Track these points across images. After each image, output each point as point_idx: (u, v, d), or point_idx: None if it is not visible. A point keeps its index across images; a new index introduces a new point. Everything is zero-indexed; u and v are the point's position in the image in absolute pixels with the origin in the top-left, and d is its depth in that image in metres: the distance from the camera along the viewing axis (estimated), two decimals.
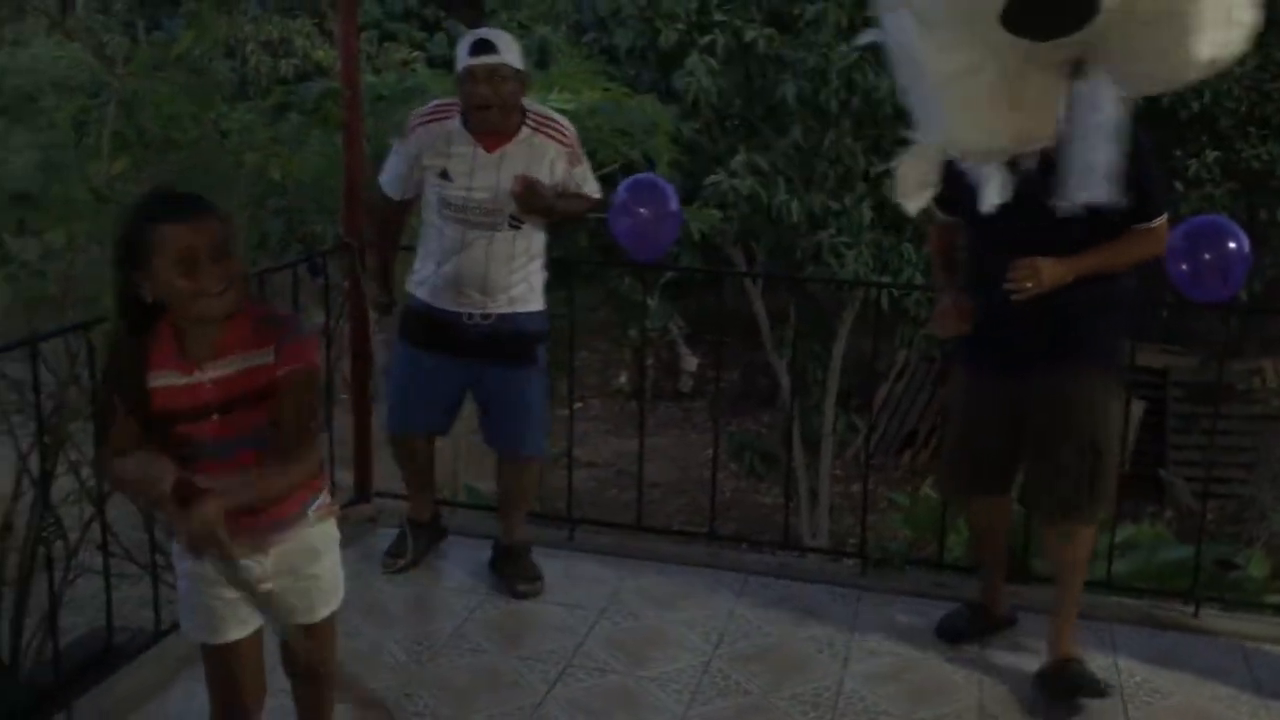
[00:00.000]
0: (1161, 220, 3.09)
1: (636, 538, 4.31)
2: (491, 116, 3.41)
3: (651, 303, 11.76)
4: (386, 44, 12.87)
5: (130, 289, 2.06)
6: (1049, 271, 2.96)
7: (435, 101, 3.64)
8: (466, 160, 3.44)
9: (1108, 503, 3.23)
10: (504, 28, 9.16)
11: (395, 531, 3.90)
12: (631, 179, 3.82)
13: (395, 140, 3.63)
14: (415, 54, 10.00)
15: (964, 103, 2.16)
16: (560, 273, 6.86)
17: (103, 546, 3.51)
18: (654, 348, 12.81)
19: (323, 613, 2.38)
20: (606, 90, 5.42)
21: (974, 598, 3.55)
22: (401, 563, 3.78)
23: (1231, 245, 3.44)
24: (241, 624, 2.30)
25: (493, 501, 4.29)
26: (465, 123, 3.46)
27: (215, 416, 2.12)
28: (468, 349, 3.57)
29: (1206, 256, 3.43)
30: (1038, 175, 2.91)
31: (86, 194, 3.56)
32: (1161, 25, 2.07)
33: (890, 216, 8.36)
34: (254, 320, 2.14)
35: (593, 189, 3.65)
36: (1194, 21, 2.02)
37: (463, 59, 3.42)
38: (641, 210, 3.71)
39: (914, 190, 2.86)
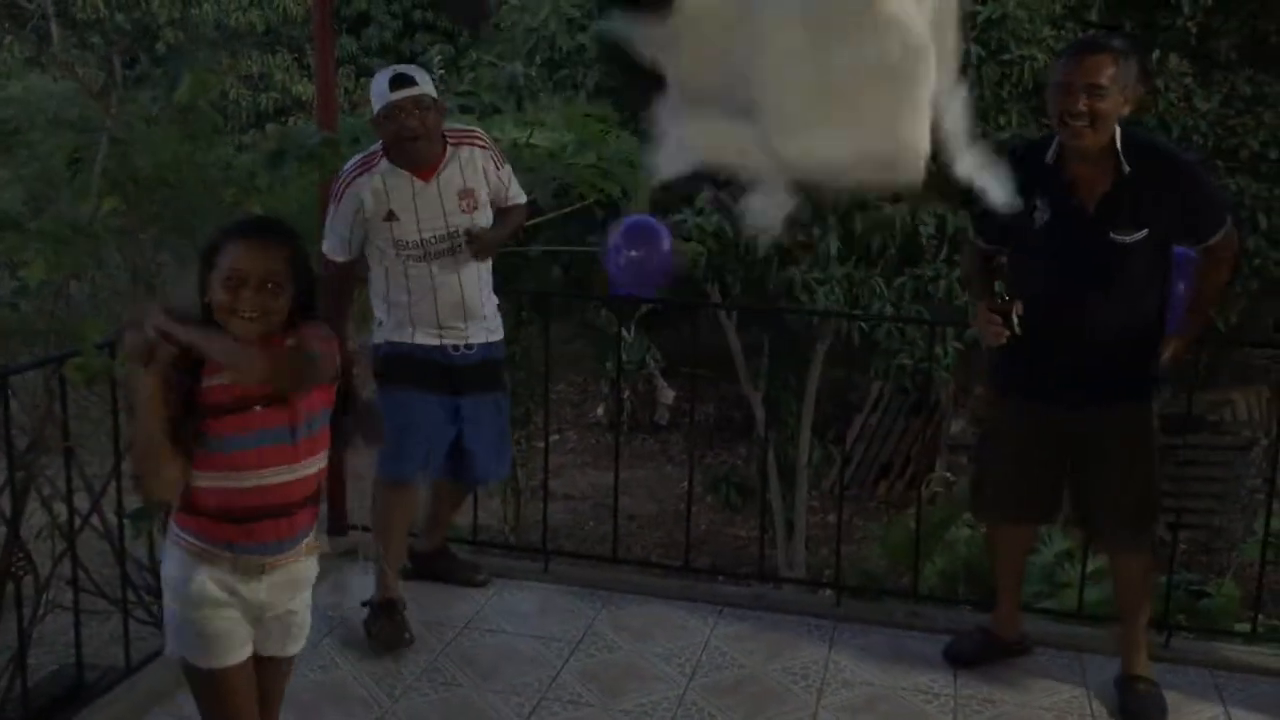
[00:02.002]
0: (1225, 231, 3.09)
1: (612, 570, 4.31)
2: (420, 146, 3.43)
3: (627, 336, 11.80)
4: (364, 79, 12.90)
5: (202, 288, 2.19)
6: (1180, 354, 3.15)
7: (354, 159, 3.59)
8: (408, 196, 3.45)
9: (1151, 530, 3.31)
10: (476, 64, 9.25)
11: (368, 568, 3.89)
12: (628, 221, 3.89)
13: (330, 208, 3.57)
14: None
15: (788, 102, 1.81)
16: (535, 305, 6.89)
17: (73, 582, 3.49)
18: (631, 381, 12.83)
19: (292, 649, 2.39)
20: (590, 120, 5.45)
21: (986, 624, 3.59)
22: (409, 636, 3.58)
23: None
24: (242, 646, 2.29)
25: (468, 536, 4.30)
26: (392, 160, 3.46)
27: (258, 408, 2.20)
28: (453, 383, 3.57)
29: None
30: (1098, 214, 3.04)
31: (68, 228, 3.56)
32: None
33: (860, 250, 8.43)
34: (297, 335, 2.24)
35: (518, 193, 3.71)
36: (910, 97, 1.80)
37: (383, 96, 3.42)
38: (633, 252, 3.78)
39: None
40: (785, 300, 8.21)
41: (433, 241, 3.48)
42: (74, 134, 4.08)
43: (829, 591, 4.31)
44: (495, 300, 3.70)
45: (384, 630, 3.55)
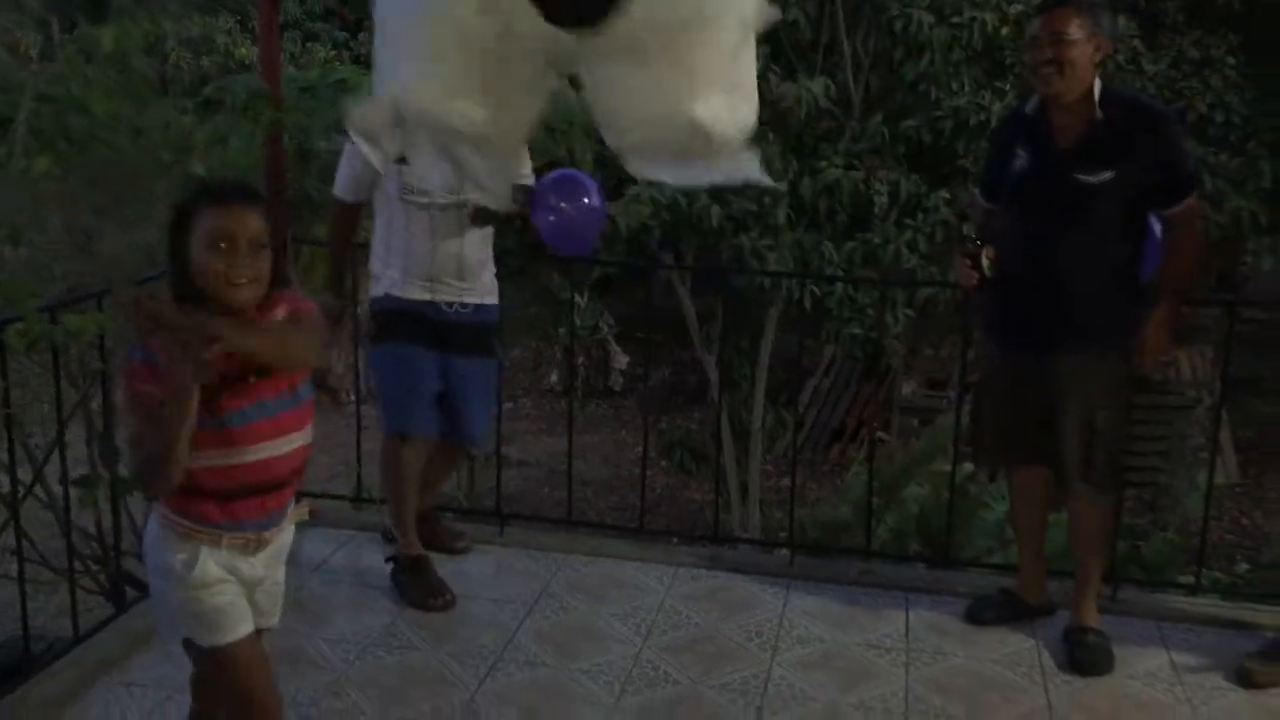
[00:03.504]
0: (1190, 198, 3.16)
1: (567, 533, 4.31)
2: None
3: (581, 301, 11.78)
4: (310, 44, 12.71)
5: (176, 263, 2.10)
6: (1162, 336, 3.18)
7: None
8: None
9: (1111, 480, 3.35)
10: None
11: (323, 531, 3.86)
12: (553, 174, 3.81)
13: (345, 144, 3.55)
14: (337, 54, 9.90)
15: (434, 57, 1.68)
16: None
17: (18, 553, 3.43)
18: (585, 346, 12.82)
19: (274, 621, 2.38)
20: None
21: (1010, 585, 3.61)
22: (450, 597, 3.57)
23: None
24: (246, 618, 2.25)
25: (451, 503, 4.27)
26: None
27: (253, 379, 2.14)
28: (443, 341, 3.52)
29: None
30: (1067, 155, 3.10)
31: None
32: (663, 64, 1.63)
33: (810, 216, 8.46)
34: (286, 304, 2.20)
35: (528, 174, 3.62)
36: (698, 73, 1.65)
37: None
38: (564, 204, 3.70)
39: (373, 141, 2.73)
40: (737, 266, 8.23)
41: (441, 192, 3.43)
42: None
43: (783, 551, 4.34)
44: (494, 266, 3.65)
45: (418, 588, 3.56)
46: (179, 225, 2.11)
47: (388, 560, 3.68)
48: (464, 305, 3.54)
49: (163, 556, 2.20)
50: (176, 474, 2.05)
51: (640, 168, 1.82)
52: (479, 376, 3.66)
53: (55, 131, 3.70)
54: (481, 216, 3.47)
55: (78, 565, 3.85)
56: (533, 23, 1.59)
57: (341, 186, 3.57)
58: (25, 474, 4.04)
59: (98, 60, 3.78)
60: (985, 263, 3.23)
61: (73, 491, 3.57)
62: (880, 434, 10.03)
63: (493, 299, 3.65)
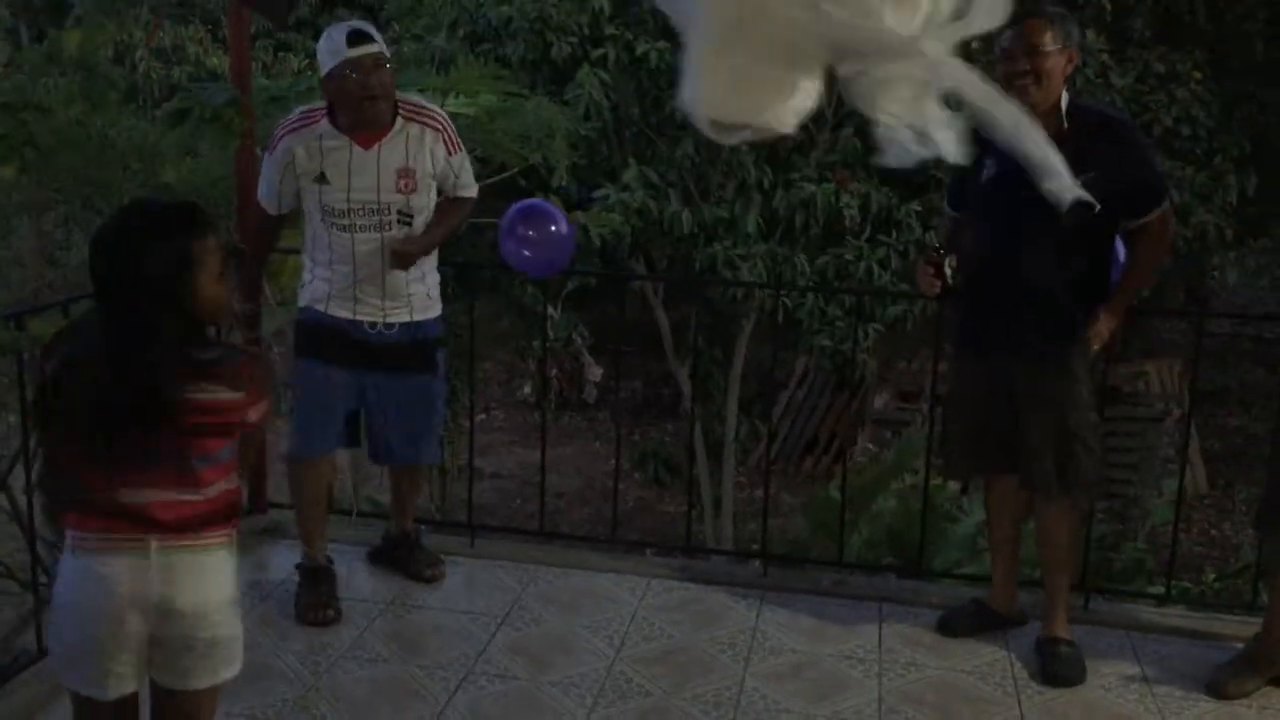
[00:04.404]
0: (1161, 210, 3.19)
1: (539, 545, 4.28)
2: (378, 107, 3.30)
3: (554, 313, 11.75)
4: (281, 54, 12.65)
5: (180, 305, 2.05)
6: (1108, 329, 3.18)
7: (300, 109, 3.47)
8: (343, 161, 3.34)
9: (1082, 489, 3.34)
10: (400, 38, 9.12)
11: (289, 544, 3.82)
12: (519, 205, 3.76)
13: (265, 154, 3.49)
14: (309, 63, 9.86)
15: (712, 60, 1.75)
16: (461, 281, 6.81)
17: None
18: (558, 358, 12.78)
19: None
20: (507, 96, 5.39)
21: (981, 596, 3.62)
22: (332, 613, 3.52)
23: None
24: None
25: (423, 515, 4.24)
26: (335, 123, 3.35)
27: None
28: (364, 359, 3.46)
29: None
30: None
31: None
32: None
33: (782, 227, 8.48)
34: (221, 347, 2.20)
35: (469, 184, 3.57)
36: None
37: (338, 52, 3.26)
38: (532, 233, 3.68)
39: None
40: (710, 277, 8.24)
41: (360, 213, 3.36)
42: None
43: (756, 563, 4.33)
44: (437, 278, 3.58)
45: (303, 599, 3.54)
46: (185, 261, 2.05)
47: (296, 566, 3.64)
48: (388, 325, 3.45)
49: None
50: None
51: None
52: (409, 394, 3.53)
53: (21, 138, 3.66)
54: (394, 261, 3.38)
55: (42, 578, 3.79)
56: None
57: (264, 194, 3.49)
58: None
59: (62, 65, 3.74)
60: (948, 271, 3.26)
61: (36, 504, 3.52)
62: (859, 455, 10.07)
63: (430, 313, 3.54)
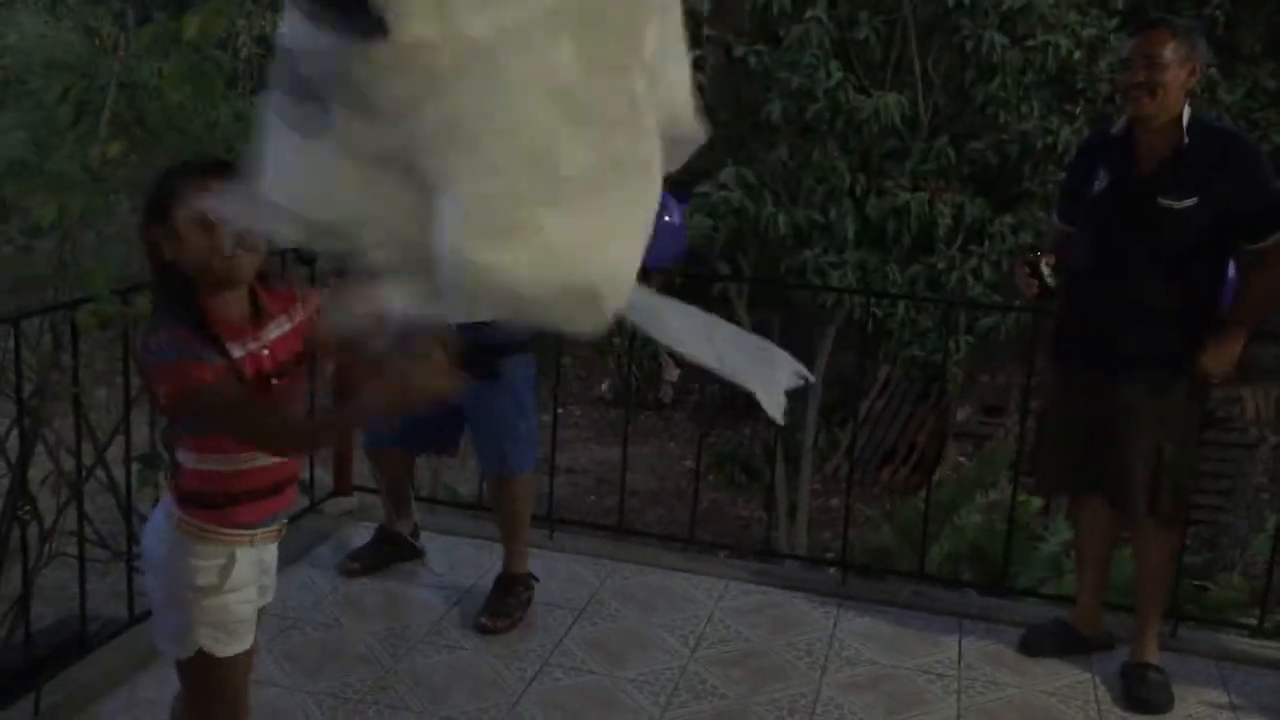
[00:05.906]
0: (1274, 239, 3.04)
1: (616, 541, 4.29)
2: None
3: None
4: None
5: (155, 248, 2.03)
6: (1218, 361, 3.06)
7: None
8: None
9: (1176, 518, 3.27)
10: None
11: (373, 528, 3.88)
12: None
13: None
14: None
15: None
16: None
17: (78, 533, 3.47)
18: (637, 357, 12.80)
19: (271, 596, 2.36)
20: None
21: (1065, 617, 3.55)
22: (356, 567, 3.69)
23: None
24: (254, 626, 2.23)
25: (473, 503, 4.26)
26: None
27: (274, 383, 2.09)
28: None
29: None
30: (1150, 179, 3.05)
31: (80, 171, 3.51)
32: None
33: (875, 234, 8.39)
34: (268, 292, 2.13)
35: None
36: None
37: None
38: None
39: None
40: (800, 281, 8.18)
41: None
42: (75, 78, 3.98)
43: (834, 570, 4.29)
44: None
45: (358, 549, 3.73)
46: (153, 205, 2.01)
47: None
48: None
49: (186, 566, 2.11)
50: None
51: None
52: (480, 402, 3.33)
53: (129, 117, 3.74)
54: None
55: (135, 549, 3.88)
56: None
57: None
58: (87, 455, 4.10)
59: (175, 49, 3.82)
60: (1045, 270, 3.18)
61: (134, 475, 3.60)
62: (946, 467, 9.93)
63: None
